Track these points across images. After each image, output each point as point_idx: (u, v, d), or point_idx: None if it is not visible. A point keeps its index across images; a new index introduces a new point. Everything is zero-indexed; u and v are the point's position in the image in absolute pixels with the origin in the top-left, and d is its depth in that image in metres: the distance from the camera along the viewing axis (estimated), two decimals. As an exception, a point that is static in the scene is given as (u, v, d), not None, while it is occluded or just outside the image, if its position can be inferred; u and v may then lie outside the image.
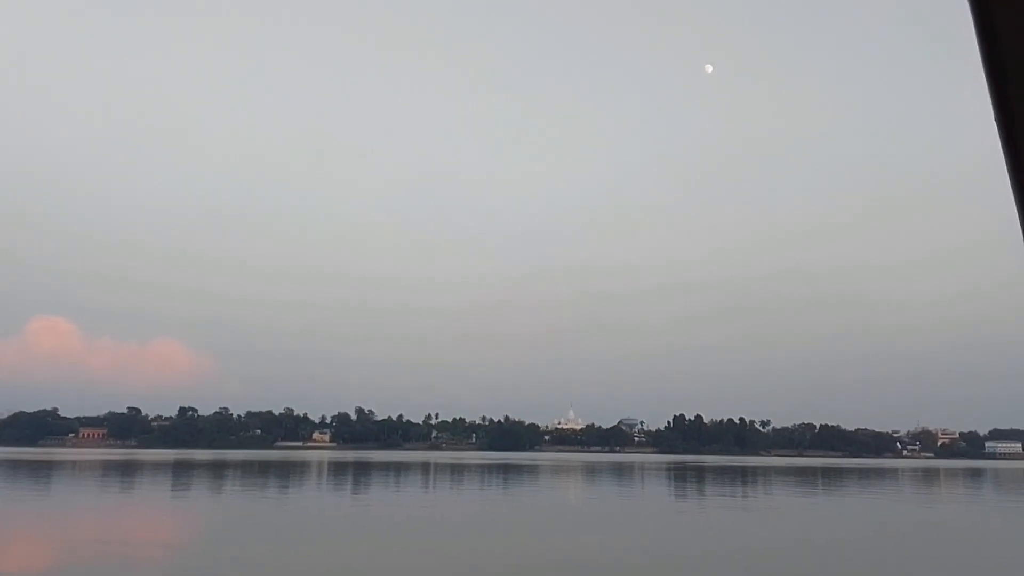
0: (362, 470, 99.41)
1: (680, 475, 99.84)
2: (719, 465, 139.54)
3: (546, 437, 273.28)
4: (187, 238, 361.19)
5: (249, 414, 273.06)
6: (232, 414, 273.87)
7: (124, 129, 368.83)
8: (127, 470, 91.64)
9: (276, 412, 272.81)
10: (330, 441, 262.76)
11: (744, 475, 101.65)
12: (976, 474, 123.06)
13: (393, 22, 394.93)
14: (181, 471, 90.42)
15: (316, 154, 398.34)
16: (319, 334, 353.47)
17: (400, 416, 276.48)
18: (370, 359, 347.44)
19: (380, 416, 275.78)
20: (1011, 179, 1.14)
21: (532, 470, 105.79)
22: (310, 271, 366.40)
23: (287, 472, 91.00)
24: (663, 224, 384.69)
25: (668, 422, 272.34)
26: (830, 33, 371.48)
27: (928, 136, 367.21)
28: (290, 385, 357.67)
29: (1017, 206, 1.12)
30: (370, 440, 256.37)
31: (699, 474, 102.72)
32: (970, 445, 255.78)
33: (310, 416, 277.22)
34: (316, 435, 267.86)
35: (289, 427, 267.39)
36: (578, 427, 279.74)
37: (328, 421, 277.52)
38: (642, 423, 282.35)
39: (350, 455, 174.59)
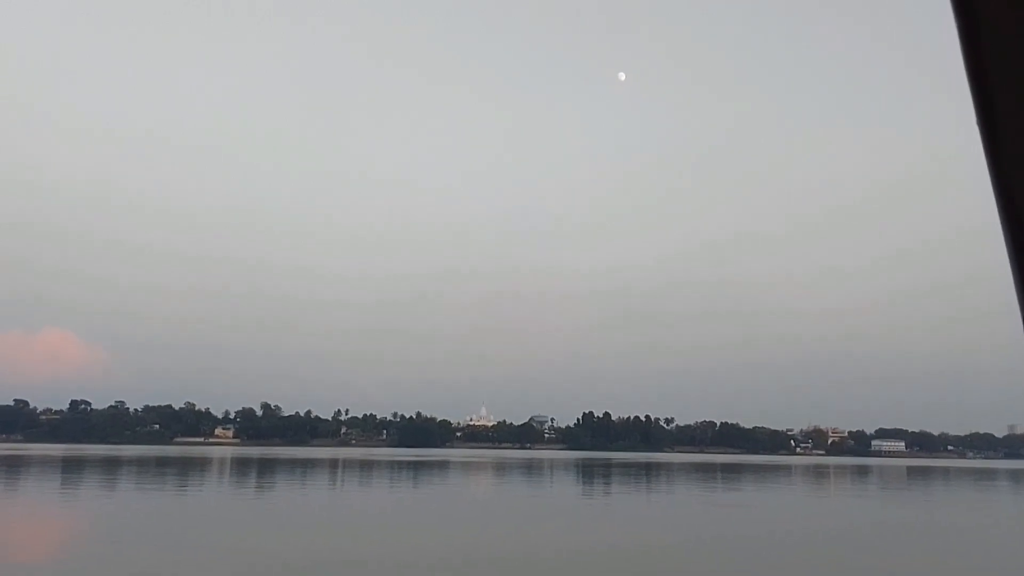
0: (267, 467, 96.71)
1: (588, 471, 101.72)
2: (626, 461, 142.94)
3: (458, 434, 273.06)
4: (82, 221, 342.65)
5: (146, 408, 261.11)
6: (128, 408, 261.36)
7: (15, 107, 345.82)
8: (11, 466, 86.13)
9: (175, 406, 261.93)
10: (233, 437, 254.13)
11: (649, 471, 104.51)
12: (863, 471, 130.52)
13: (323, 14, 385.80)
14: (71, 467, 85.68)
15: (225, 139, 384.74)
16: (224, 326, 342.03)
17: (308, 412, 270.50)
18: (278, 353, 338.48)
19: (287, 412, 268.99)
20: (992, 181, 1.15)
21: (443, 467, 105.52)
22: (216, 259, 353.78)
23: (187, 469, 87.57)
24: (576, 232, 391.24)
25: (578, 419, 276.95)
26: (743, 39, 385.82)
27: (840, 157, 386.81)
28: (191, 378, 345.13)
29: (999, 210, 1.15)
30: (276, 437, 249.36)
31: (606, 470, 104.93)
32: (858, 443, 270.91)
33: (212, 411, 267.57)
34: (218, 431, 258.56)
35: (189, 422, 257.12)
36: (490, 424, 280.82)
37: (232, 416, 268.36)
38: (553, 420, 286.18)
39: (255, 452, 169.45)
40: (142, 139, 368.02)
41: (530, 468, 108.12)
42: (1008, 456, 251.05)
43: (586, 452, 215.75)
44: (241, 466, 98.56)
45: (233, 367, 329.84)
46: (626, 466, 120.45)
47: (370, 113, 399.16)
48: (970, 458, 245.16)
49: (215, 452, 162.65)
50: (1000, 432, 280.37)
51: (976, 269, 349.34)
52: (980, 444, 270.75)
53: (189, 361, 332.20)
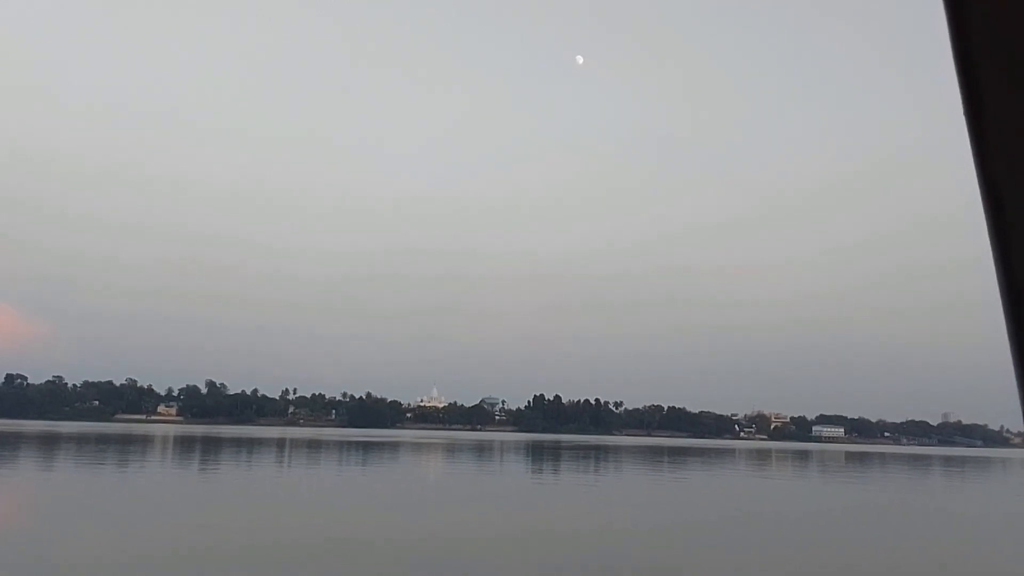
0: (212, 445, 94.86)
1: (538, 453, 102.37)
2: (575, 444, 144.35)
3: (408, 415, 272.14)
4: (21, 188, 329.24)
5: (86, 384, 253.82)
6: (66, 383, 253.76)
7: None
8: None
9: (116, 383, 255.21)
10: (177, 415, 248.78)
11: (598, 453, 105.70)
12: (803, 455, 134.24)
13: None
14: (6, 443, 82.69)
15: (174, 106, 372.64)
16: (168, 299, 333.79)
17: (255, 391, 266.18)
18: (224, 329, 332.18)
19: (233, 390, 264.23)
20: (977, 172, 1.13)
21: (393, 447, 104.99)
22: (162, 230, 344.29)
23: (128, 446, 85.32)
24: (532, 215, 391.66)
25: (528, 402, 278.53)
26: (708, 26, 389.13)
27: (800, 147, 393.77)
28: (133, 354, 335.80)
29: (985, 206, 1.16)
30: (221, 415, 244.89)
31: (556, 452, 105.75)
32: (799, 428, 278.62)
33: (155, 388, 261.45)
34: (161, 408, 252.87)
35: (131, 399, 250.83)
36: (440, 405, 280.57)
37: (175, 394, 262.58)
38: (503, 402, 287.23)
39: (199, 430, 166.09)
40: (86, 104, 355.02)
41: (480, 450, 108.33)
42: (941, 443, 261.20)
43: (536, 434, 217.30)
44: (185, 444, 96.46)
45: (177, 343, 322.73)
46: (575, 448, 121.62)
47: (327, 89, 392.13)
48: (904, 444, 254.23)
49: (158, 430, 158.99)
50: (935, 420, 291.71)
51: (916, 263, 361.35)
52: (915, 431, 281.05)
53: (131, 336, 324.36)
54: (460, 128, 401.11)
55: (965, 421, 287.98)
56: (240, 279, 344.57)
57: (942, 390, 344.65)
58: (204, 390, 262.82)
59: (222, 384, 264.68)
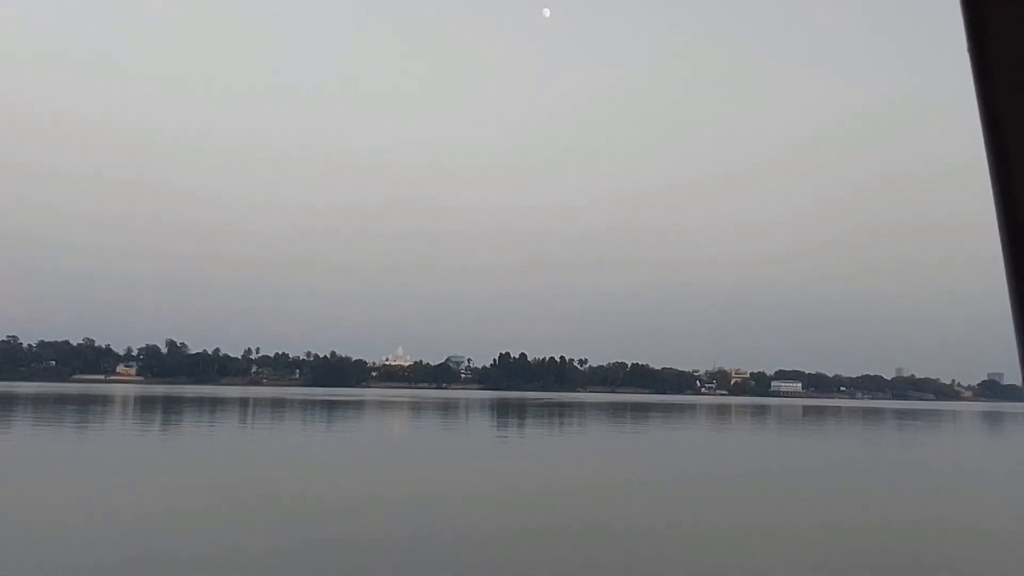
0: (173, 405, 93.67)
1: (503, 410, 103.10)
2: (540, 401, 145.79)
3: (373, 374, 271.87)
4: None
5: (42, 344, 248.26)
6: (21, 343, 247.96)
7: None
8: None
9: (74, 342, 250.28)
10: (136, 375, 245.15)
11: (563, 410, 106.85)
12: (762, 409, 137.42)
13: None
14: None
15: (131, 54, 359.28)
16: (126, 256, 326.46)
17: (216, 350, 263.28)
18: (184, 287, 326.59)
19: (194, 349, 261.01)
20: (991, 172, 1.12)
21: (358, 406, 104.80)
22: (120, 184, 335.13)
23: (87, 407, 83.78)
24: (498, 171, 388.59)
25: (494, 360, 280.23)
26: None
27: (766, 107, 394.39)
28: (90, 313, 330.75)
29: (996, 206, 1.13)
30: (182, 375, 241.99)
31: (521, 409, 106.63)
32: (759, 384, 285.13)
33: (113, 348, 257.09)
34: (120, 368, 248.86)
35: (89, 359, 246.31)
36: (406, 364, 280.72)
37: (134, 354, 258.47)
38: (469, 360, 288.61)
39: (159, 390, 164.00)
40: (38, 52, 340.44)
41: (446, 408, 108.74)
42: (895, 397, 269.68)
43: (502, 392, 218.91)
44: (145, 404, 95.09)
45: (136, 301, 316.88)
46: (541, 405, 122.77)
47: (291, 40, 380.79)
48: (859, 399, 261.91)
49: (117, 390, 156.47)
50: (888, 375, 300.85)
51: (871, 225, 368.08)
52: (870, 385, 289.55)
53: (88, 294, 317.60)
54: (427, 81, 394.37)
55: (918, 376, 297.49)
56: (200, 235, 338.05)
57: (896, 346, 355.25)
58: (164, 350, 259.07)
59: (182, 343, 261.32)
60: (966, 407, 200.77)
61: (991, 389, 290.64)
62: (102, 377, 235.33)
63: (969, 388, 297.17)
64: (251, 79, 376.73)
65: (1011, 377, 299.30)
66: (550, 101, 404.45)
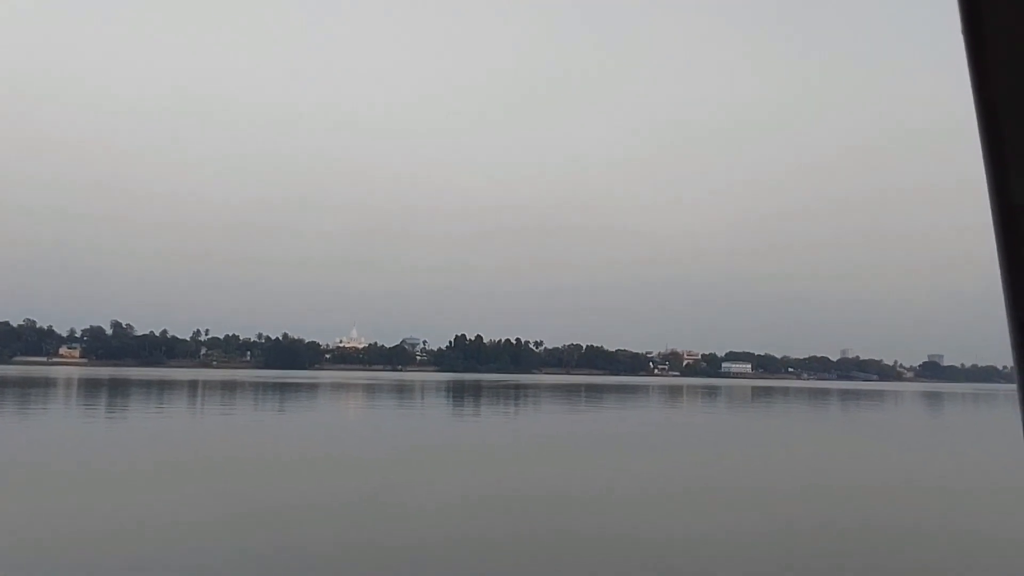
0: (119, 388, 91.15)
1: (459, 392, 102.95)
2: (496, 383, 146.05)
3: (327, 356, 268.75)
4: None
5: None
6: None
7: None
8: None
9: (14, 323, 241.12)
10: (80, 357, 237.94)
11: (518, 392, 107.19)
12: (712, 390, 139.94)
13: None
14: None
15: (87, 16, 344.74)
16: (70, 237, 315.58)
17: (164, 332, 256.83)
18: (128, 268, 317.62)
19: (140, 331, 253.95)
20: (985, 155, 1.13)
21: (311, 388, 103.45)
22: (64, 162, 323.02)
23: (29, 389, 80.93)
24: (457, 146, 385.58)
25: (450, 342, 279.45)
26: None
27: (710, 83, 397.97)
28: (31, 293, 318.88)
29: (989, 190, 1.13)
30: (128, 357, 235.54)
31: (477, 391, 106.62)
32: (710, 365, 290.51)
33: (56, 329, 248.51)
34: (63, 350, 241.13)
35: (30, 340, 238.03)
36: (360, 346, 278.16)
37: (78, 335, 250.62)
38: (425, 342, 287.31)
39: (105, 372, 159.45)
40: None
41: (401, 390, 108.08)
42: (840, 377, 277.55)
43: (458, 374, 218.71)
44: (90, 387, 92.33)
45: (79, 282, 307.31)
46: (496, 387, 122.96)
47: (225, 23, 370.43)
48: (805, 379, 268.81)
49: (60, 372, 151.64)
50: (834, 356, 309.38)
51: (817, 202, 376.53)
52: (816, 366, 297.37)
53: (30, 274, 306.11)
54: (381, 53, 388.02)
55: (863, 357, 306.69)
56: (146, 211, 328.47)
57: (842, 329, 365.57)
58: (109, 331, 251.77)
59: (128, 325, 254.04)
60: (907, 387, 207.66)
61: (931, 370, 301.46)
62: (44, 359, 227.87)
63: (911, 369, 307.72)
64: (205, 54, 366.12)
65: (950, 359, 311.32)
66: (503, 76, 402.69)
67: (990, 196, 1.12)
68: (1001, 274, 1.11)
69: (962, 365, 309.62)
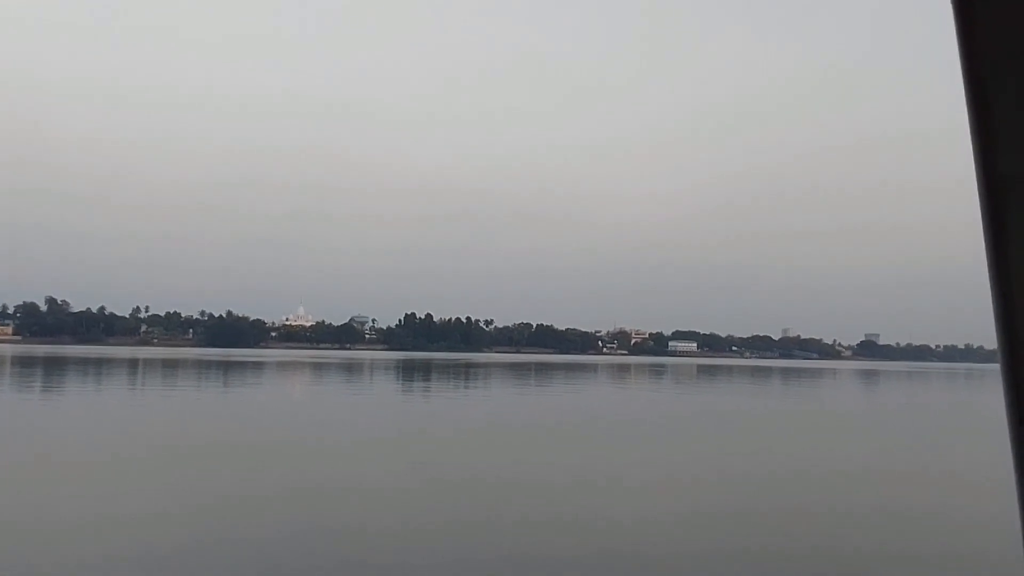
0: (55, 366, 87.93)
1: (409, 371, 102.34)
2: (446, 361, 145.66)
3: (273, 334, 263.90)
4: None
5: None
6: None
7: None
8: None
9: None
10: (13, 334, 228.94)
11: (468, 370, 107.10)
12: (659, 369, 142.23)
13: None
14: None
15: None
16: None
17: (102, 308, 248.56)
18: (65, 242, 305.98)
19: (76, 307, 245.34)
20: (972, 124, 1.12)
21: (256, 367, 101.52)
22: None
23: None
24: (401, 125, 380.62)
25: (399, 320, 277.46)
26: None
27: (676, 81, 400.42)
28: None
29: (976, 160, 1.12)
30: (64, 334, 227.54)
31: (427, 370, 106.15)
32: (657, 344, 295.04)
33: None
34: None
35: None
36: (308, 324, 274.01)
37: (10, 311, 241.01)
38: (374, 321, 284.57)
39: (40, 350, 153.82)
40: None
41: (350, 368, 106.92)
42: (782, 356, 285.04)
43: (407, 352, 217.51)
44: (24, 365, 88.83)
45: (10, 255, 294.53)
46: (446, 366, 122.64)
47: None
48: (748, 357, 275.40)
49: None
50: (776, 335, 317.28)
51: (764, 195, 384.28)
52: (760, 345, 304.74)
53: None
54: (333, 31, 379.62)
55: (803, 336, 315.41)
56: (84, 182, 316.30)
57: (783, 309, 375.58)
58: (43, 307, 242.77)
59: (64, 301, 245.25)
60: (845, 365, 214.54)
61: (868, 349, 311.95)
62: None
63: (849, 348, 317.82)
64: (147, 20, 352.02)
65: (886, 338, 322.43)
66: (460, 58, 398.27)
67: (976, 166, 1.11)
68: (985, 245, 1.10)
69: (897, 344, 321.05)
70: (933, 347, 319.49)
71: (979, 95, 1.09)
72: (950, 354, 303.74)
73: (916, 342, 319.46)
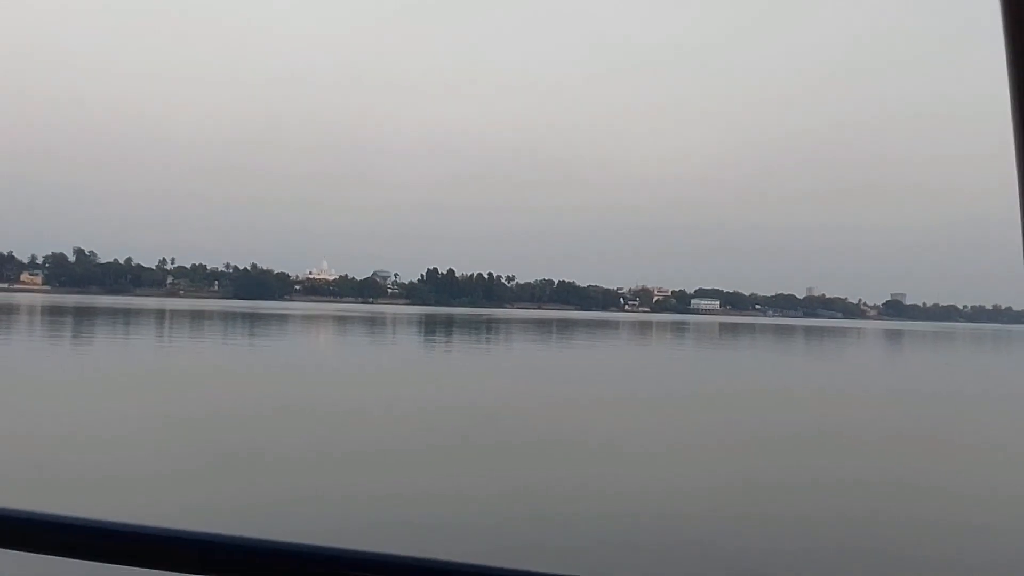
0: (85, 315, 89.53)
1: (431, 325, 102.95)
2: (468, 316, 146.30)
3: (297, 287, 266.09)
4: None
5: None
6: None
7: None
8: None
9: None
10: (43, 285, 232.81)
11: (490, 326, 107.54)
12: (681, 326, 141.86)
13: None
14: None
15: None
16: (29, 160, 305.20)
17: (128, 259, 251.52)
18: (92, 194, 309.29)
19: (104, 259, 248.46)
20: (1012, 91, 1.03)
21: (281, 319, 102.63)
22: (22, 85, 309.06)
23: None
24: (425, 87, 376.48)
25: (421, 275, 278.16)
26: None
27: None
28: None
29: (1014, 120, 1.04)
30: (93, 284, 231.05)
31: (448, 325, 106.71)
32: (679, 301, 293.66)
33: (16, 255, 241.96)
34: (25, 277, 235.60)
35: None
36: (331, 278, 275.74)
37: (40, 262, 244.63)
38: (396, 275, 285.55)
39: (69, 300, 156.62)
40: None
41: (372, 322, 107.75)
42: (806, 315, 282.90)
43: (429, 307, 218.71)
44: (55, 314, 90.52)
45: (40, 207, 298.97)
46: (467, 321, 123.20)
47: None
48: (771, 316, 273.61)
49: (22, 299, 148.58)
50: (801, 294, 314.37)
51: (791, 157, 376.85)
52: (783, 304, 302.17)
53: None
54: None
55: (828, 295, 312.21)
56: (109, 139, 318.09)
57: (808, 268, 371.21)
58: (72, 258, 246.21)
59: (92, 252, 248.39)
60: (870, 325, 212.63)
61: (894, 308, 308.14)
62: (5, 286, 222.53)
63: (874, 307, 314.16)
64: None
65: (912, 298, 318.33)
66: (483, 19, 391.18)
67: (1013, 113, 1.05)
68: (1019, 194, 1.05)
69: (923, 304, 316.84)
70: (960, 308, 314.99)
71: (1019, 54, 1.01)
72: (977, 315, 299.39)
73: (943, 302, 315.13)
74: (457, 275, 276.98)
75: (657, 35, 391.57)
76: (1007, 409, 30.19)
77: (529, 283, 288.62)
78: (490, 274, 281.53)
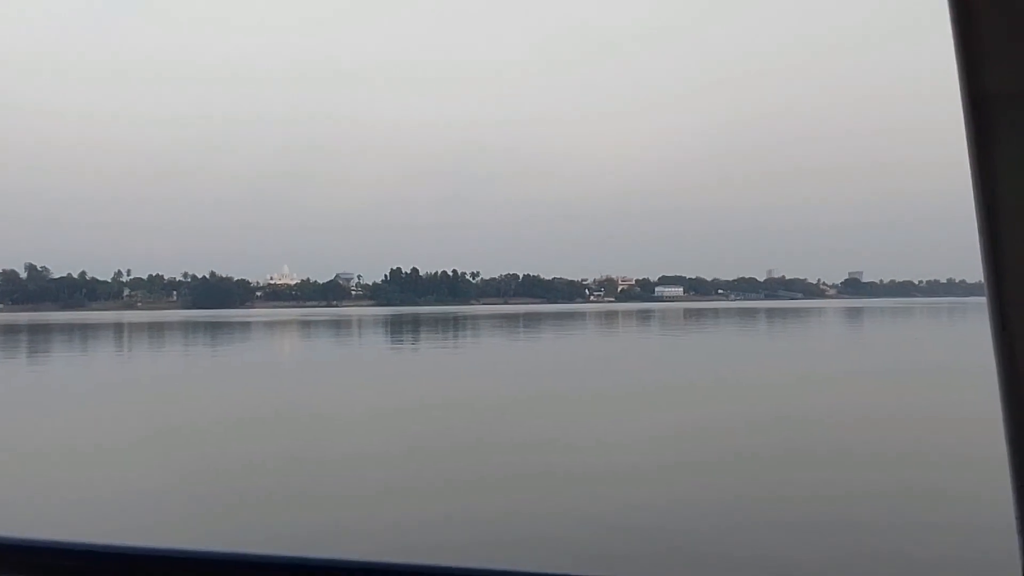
0: (39, 333, 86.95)
1: (397, 325, 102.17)
2: (434, 315, 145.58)
3: (258, 294, 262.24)
4: None
5: None
6: None
7: None
8: None
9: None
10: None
11: (456, 323, 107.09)
12: (646, 314, 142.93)
13: None
14: None
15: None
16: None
17: (83, 273, 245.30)
18: (40, 206, 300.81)
19: (57, 273, 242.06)
20: (956, 43, 1.08)
21: (243, 327, 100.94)
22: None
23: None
24: (383, 83, 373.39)
25: (385, 275, 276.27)
26: None
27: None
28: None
29: (960, 76, 1.07)
30: (47, 300, 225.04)
31: (415, 324, 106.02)
32: (644, 290, 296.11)
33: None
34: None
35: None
36: (293, 282, 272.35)
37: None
38: (359, 277, 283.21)
39: (23, 317, 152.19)
40: None
41: (338, 325, 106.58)
42: (767, 297, 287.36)
43: (395, 307, 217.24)
44: (8, 332, 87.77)
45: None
46: (434, 319, 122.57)
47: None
48: (734, 300, 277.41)
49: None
50: (761, 276, 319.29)
51: (744, 140, 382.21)
52: (745, 287, 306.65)
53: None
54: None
55: (788, 276, 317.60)
56: (56, 148, 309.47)
57: (767, 250, 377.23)
58: (24, 274, 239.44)
59: (44, 267, 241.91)
60: (830, 304, 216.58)
61: (852, 287, 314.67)
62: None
63: (833, 287, 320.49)
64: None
65: (869, 275, 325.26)
66: (443, 12, 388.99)
67: (961, 85, 1.07)
68: (971, 170, 1.07)
69: (881, 281, 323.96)
70: (916, 283, 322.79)
71: (963, 13, 1.05)
72: (933, 289, 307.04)
73: (899, 278, 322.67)
74: (421, 274, 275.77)
75: (612, 21, 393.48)
76: (972, 379, 30.80)
77: (494, 278, 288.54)
78: (454, 271, 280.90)
